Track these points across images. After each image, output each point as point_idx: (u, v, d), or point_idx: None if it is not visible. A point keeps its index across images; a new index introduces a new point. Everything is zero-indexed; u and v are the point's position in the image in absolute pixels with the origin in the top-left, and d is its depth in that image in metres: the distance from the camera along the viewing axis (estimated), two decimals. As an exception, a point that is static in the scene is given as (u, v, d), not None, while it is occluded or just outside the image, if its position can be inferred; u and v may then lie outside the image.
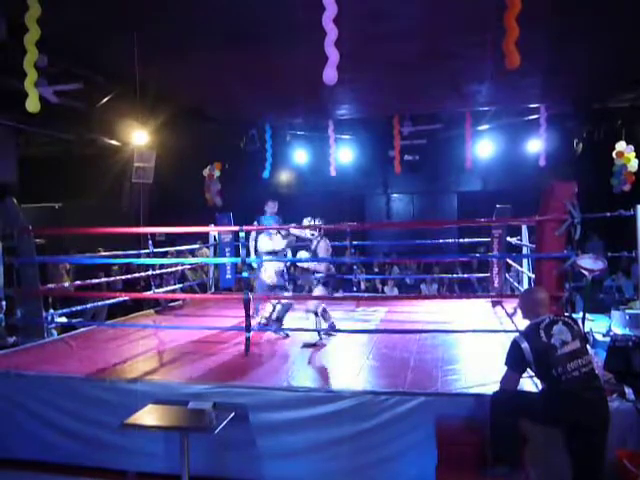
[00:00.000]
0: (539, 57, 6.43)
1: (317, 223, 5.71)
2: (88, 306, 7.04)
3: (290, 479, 3.88)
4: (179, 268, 9.21)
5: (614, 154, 9.91)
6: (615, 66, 7.36)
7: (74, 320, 6.72)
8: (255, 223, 6.22)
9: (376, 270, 11.45)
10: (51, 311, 6.05)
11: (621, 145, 9.84)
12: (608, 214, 4.70)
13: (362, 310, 7.49)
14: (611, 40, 6.32)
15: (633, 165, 9.82)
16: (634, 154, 9.81)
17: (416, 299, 8.97)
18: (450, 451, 3.46)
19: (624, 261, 8.87)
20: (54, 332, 6.13)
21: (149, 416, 3.68)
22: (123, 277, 8.36)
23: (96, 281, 7.72)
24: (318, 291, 5.70)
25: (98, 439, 4.12)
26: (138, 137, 8.75)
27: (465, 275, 9.95)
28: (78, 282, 7.11)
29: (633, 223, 4.60)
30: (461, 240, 9.66)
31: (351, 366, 4.67)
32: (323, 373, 4.61)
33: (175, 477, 3.67)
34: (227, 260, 8.59)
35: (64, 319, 6.37)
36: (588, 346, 3.69)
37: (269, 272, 5.93)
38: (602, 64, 7.21)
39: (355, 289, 8.80)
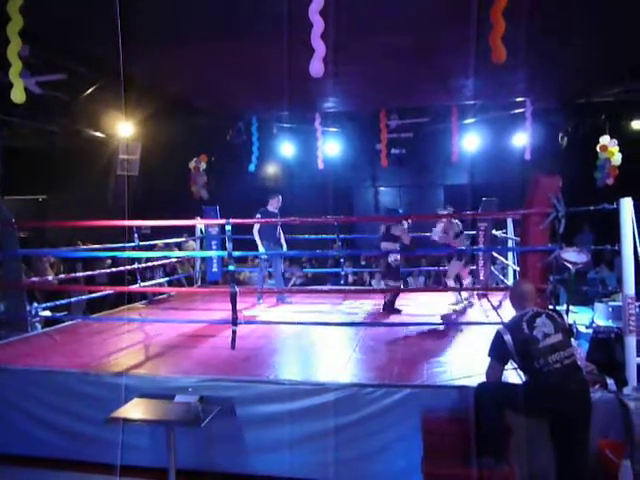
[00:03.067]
0: (524, 51, 6.45)
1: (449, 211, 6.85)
2: (73, 300, 6.97)
3: (277, 472, 3.89)
4: (165, 262, 9.15)
5: (598, 148, 10.00)
6: (600, 61, 7.40)
7: (59, 314, 6.65)
8: None
9: (363, 263, 11.47)
10: (35, 304, 5.98)
11: (605, 139, 9.93)
12: (592, 208, 4.75)
13: (349, 303, 7.51)
14: (596, 35, 6.35)
15: (617, 159, 9.93)
16: (618, 148, 9.91)
17: (403, 292, 9.00)
18: (436, 442, 3.49)
19: (607, 254, 8.96)
20: (38, 326, 6.08)
21: (135, 410, 3.67)
22: (108, 270, 8.28)
23: (81, 274, 7.64)
24: (454, 264, 6.74)
25: (84, 433, 4.09)
26: (123, 129, 8.66)
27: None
28: (62, 275, 7.03)
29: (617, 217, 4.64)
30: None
31: (338, 359, 4.69)
32: (310, 366, 4.64)
33: (162, 471, 3.66)
34: (214, 253, 8.55)
35: (48, 312, 6.30)
36: (572, 338, 3.74)
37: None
38: (587, 59, 7.24)
39: (342, 282, 8.82)
